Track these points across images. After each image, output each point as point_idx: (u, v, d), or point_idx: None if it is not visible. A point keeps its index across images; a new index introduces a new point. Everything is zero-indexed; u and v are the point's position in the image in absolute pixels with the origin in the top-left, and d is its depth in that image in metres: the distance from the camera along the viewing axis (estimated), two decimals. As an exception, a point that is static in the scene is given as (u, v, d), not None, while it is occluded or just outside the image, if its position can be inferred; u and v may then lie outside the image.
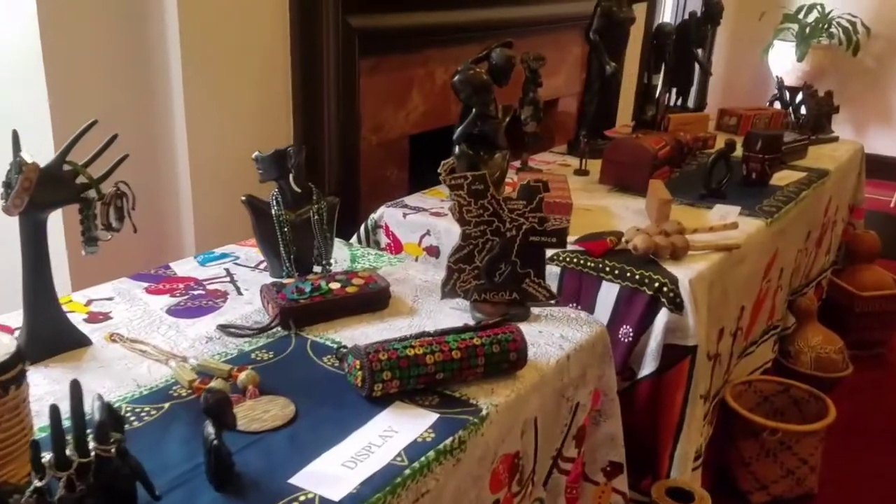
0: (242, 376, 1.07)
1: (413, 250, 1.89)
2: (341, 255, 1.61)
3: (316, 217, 1.44)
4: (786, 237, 2.14)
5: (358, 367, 1.06)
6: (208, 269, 1.50)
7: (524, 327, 1.31)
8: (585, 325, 1.35)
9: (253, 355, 1.18)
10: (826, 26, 4.85)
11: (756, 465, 2.05)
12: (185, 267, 1.50)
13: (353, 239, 1.93)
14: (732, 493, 2.05)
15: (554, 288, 1.66)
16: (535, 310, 1.39)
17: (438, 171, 1.33)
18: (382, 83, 2.33)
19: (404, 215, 1.88)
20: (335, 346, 1.22)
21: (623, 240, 1.69)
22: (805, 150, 2.66)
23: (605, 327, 1.38)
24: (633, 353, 1.62)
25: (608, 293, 1.62)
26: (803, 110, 2.91)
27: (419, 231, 1.85)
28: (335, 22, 2.03)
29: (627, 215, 1.95)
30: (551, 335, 1.30)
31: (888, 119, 5.09)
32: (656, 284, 1.57)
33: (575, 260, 1.66)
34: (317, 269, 1.46)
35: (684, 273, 1.59)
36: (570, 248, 1.68)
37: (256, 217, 1.43)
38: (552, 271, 1.66)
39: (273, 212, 1.42)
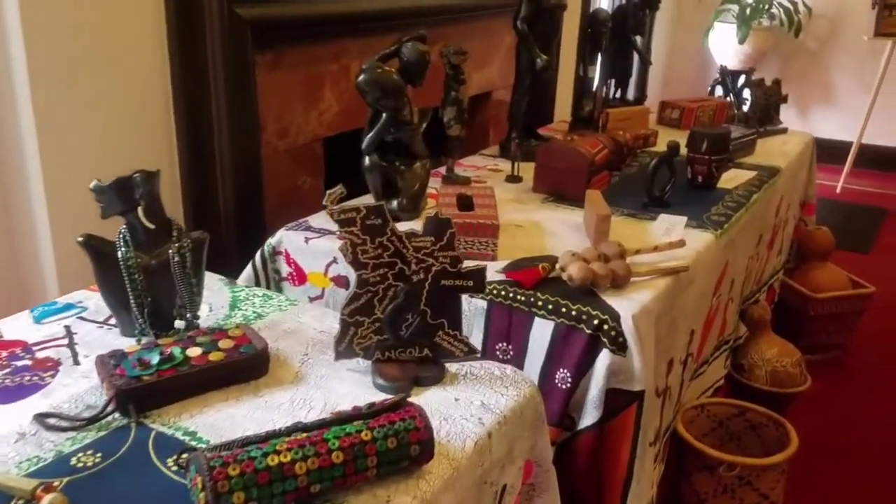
0: (45, 502, 0.79)
1: (318, 280, 1.62)
2: (220, 298, 1.33)
3: (176, 259, 1.16)
4: (736, 247, 1.93)
5: (200, 486, 0.79)
6: (44, 326, 1.21)
7: (436, 394, 1.06)
8: (512, 386, 1.10)
9: (74, 460, 0.89)
10: (767, 7, 4.70)
11: (713, 502, 1.85)
12: (15, 325, 1.20)
13: (249, 267, 1.65)
14: (687, 535, 1.85)
15: (481, 325, 1.42)
16: (452, 366, 1.13)
17: (324, 202, 1.07)
18: (286, 80, 2.04)
19: (306, 240, 1.60)
20: (187, 439, 0.95)
21: (558, 266, 1.45)
22: (753, 146, 2.46)
23: (537, 386, 1.14)
24: (572, 400, 1.38)
25: (542, 331, 1.38)
26: (747, 94, 2.71)
27: (324, 258, 1.58)
28: (220, 13, 1.73)
29: (563, 231, 1.70)
30: (469, 404, 1.05)
31: (830, 101, 4.98)
32: (595, 322, 1.33)
33: (503, 293, 1.41)
34: (180, 323, 1.18)
35: (627, 306, 1.36)
36: (497, 277, 1.44)
37: (99, 262, 1.15)
38: (478, 306, 1.42)
39: (119, 254, 1.14)
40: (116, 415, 0.98)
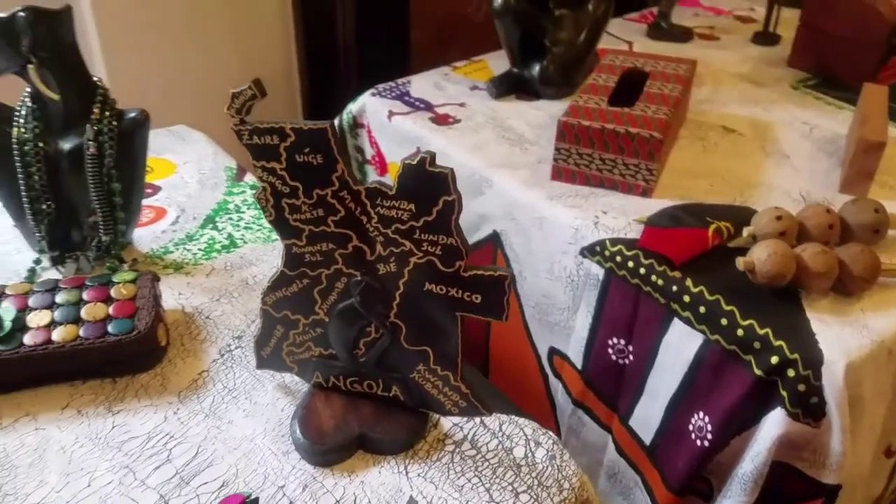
0: None
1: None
2: (207, 199, 0.92)
3: (90, 149, 0.76)
4: None
5: None
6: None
7: (382, 478, 0.60)
8: (533, 493, 0.60)
9: None
10: None
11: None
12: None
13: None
14: None
15: (591, 302, 0.89)
16: (450, 424, 0.65)
17: (226, 108, 0.58)
18: None
19: (390, 115, 1.11)
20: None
21: (745, 232, 0.83)
22: None
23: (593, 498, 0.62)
24: (711, 461, 0.82)
25: (681, 342, 0.81)
26: None
27: (408, 146, 1.09)
28: None
29: (806, 153, 1.03)
30: (428, 520, 0.57)
31: None
32: (774, 359, 0.73)
33: (630, 264, 0.84)
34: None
35: (847, 339, 0.73)
36: (633, 232, 0.87)
37: (-11, 142, 0.78)
38: (591, 272, 0.88)
39: (13, 133, 0.76)
40: None
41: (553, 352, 0.98)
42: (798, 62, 1.25)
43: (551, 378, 1.00)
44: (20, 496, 0.57)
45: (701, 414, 0.81)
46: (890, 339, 0.74)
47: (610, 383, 0.91)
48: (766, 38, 1.35)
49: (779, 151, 1.03)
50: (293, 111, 1.55)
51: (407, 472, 0.61)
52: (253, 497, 0.56)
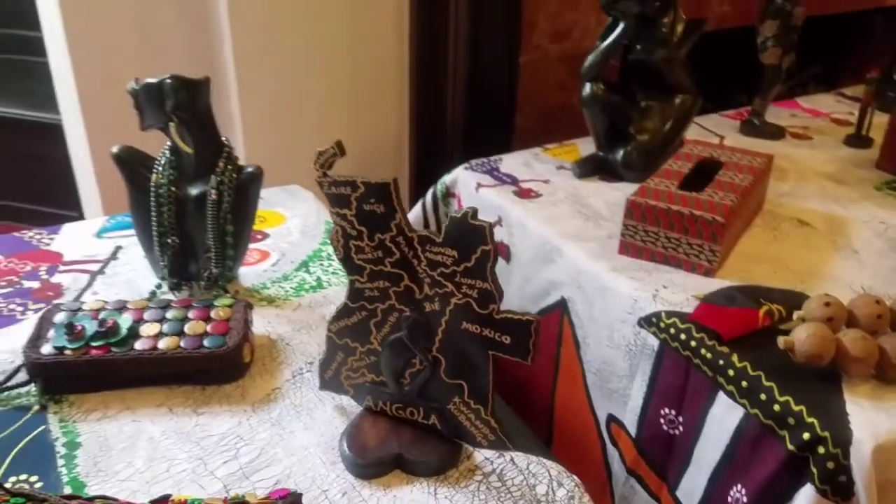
0: None
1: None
2: (305, 247, 1.05)
3: (213, 196, 0.89)
4: None
5: None
6: (102, 242, 1.05)
7: (412, 496, 0.67)
8: (548, 522, 0.65)
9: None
10: None
11: None
12: (77, 234, 1.07)
13: (417, 206, 1.32)
14: None
15: (646, 372, 0.93)
16: (482, 457, 0.72)
17: (313, 162, 0.69)
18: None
19: (478, 186, 1.21)
20: (62, 451, 0.71)
21: (796, 316, 0.87)
22: None
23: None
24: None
25: (724, 415, 0.85)
26: None
27: (491, 215, 1.18)
28: None
29: (874, 250, 1.05)
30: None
31: None
32: (806, 435, 0.76)
33: (682, 336, 0.89)
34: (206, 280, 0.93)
35: (879, 423, 0.75)
36: (685, 310, 0.92)
37: (134, 184, 0.93)
38: (648, 343, 0.93)
39: (152, 178, 0.91)
40: (33, 387, 0.78)
41: (611, 419, 1.03)
42: (885, 164, 1.26)
43: (609, 446, 1.04)
44: (111, 473, 0.69)
45: (739, 486, 0.83)
46: (927, 426, 0.75)
47: (661, 453, 0.95)
48: (858, 140, 1.37)
49: (848, 246, 1.05)
50: (401, 179, 1.69)
51: (435, 494, 0.68)
52: (298, 493, 0.64)
